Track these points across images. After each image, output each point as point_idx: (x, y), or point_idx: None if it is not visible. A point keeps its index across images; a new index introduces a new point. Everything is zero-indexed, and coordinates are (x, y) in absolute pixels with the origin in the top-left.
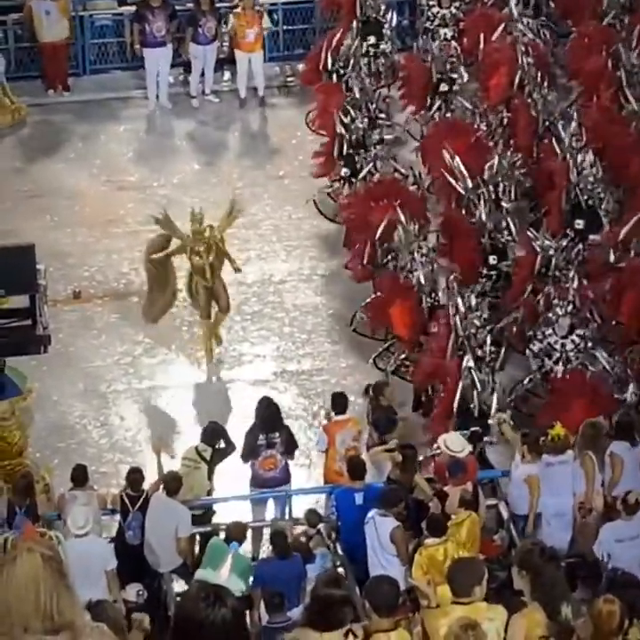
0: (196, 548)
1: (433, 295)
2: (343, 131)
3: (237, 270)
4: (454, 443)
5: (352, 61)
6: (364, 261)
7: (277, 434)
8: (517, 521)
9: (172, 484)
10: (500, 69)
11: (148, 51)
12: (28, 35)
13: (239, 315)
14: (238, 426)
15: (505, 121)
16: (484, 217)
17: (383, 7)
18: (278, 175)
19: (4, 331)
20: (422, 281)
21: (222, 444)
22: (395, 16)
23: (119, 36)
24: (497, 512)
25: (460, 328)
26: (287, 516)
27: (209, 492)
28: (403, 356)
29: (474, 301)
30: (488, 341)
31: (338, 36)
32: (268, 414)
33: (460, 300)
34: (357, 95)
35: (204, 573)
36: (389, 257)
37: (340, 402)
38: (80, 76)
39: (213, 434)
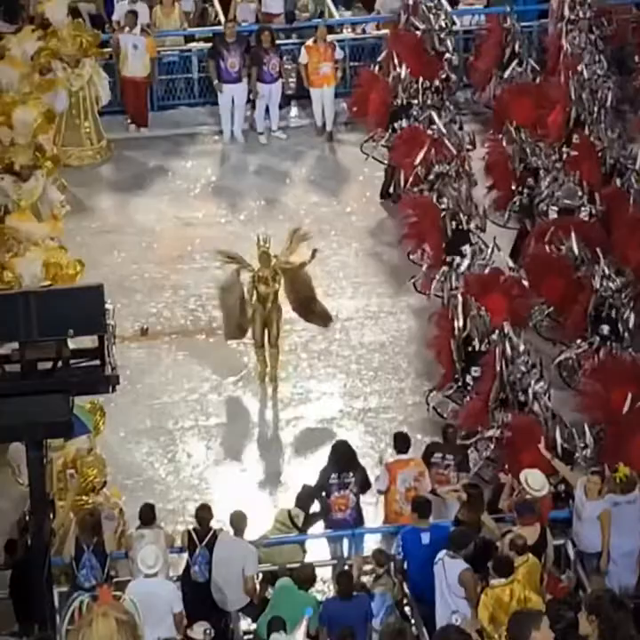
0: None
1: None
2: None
3: (313, 255)
4: (536, 481)
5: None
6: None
7: (351, 474)
8: (586, 560)
9: (239, 523)
10: (556, 106)
11: (224, 86)
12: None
13: (306, 352)
14: (305, 463)
15: (564, 157)
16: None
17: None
18: (345, 211)
19: (73, 371)
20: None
21: (316, 508)
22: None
23: (187, 72)
24: (564, 551)
25: (505, 373)
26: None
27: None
28: (449, 392)
29: (522, 346)
30: (532, 385)
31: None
32: (343, 455)
33: (508, 344)
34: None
35: (277, 637)
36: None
37: (402, 441)
38: (148, 112)
39: (308, 497)
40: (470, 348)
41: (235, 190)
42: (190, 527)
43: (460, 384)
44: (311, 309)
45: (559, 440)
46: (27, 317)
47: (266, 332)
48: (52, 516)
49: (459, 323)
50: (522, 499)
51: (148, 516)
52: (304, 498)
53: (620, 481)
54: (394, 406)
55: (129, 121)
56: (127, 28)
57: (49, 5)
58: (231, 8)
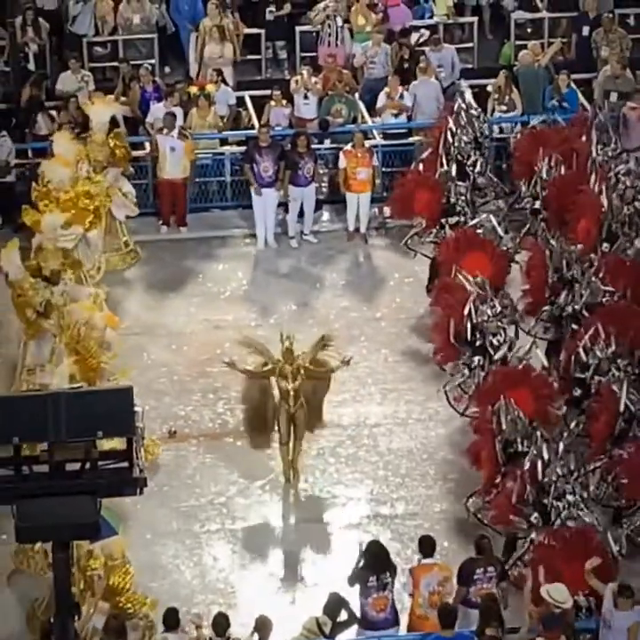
0: None
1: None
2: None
3: (346, 362)
4: (560, 594)
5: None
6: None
7: (388, 574)
8: None
9: (263, 628)
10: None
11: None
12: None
13: (333, 457)
14: (331, 568)
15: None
16: None
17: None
18: (375, 317)
19: (101, 472)
20: None
21: (344, 616)
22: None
23: (220, 176)
24: None
25: (541, 475)
26: None
27: None
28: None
29: (561, 448)
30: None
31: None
32: (379, 555)
33: (545, 447)
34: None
35: None
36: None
37: (427, 545)
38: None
39: (336, 605)
40: (512, 450)
41: (265, 294)
42: (208, 634)
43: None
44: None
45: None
46: (56, 418)
47: (291, 429)
48: (77, 617)
49: (500, 425)
50: (549, 611)
51: (172, 619)
52: (332, 605)
53: None
54: (420, 513)
55: (161, 222)
56: (165, 131)
57: (94, 108)
58: (265, 112)
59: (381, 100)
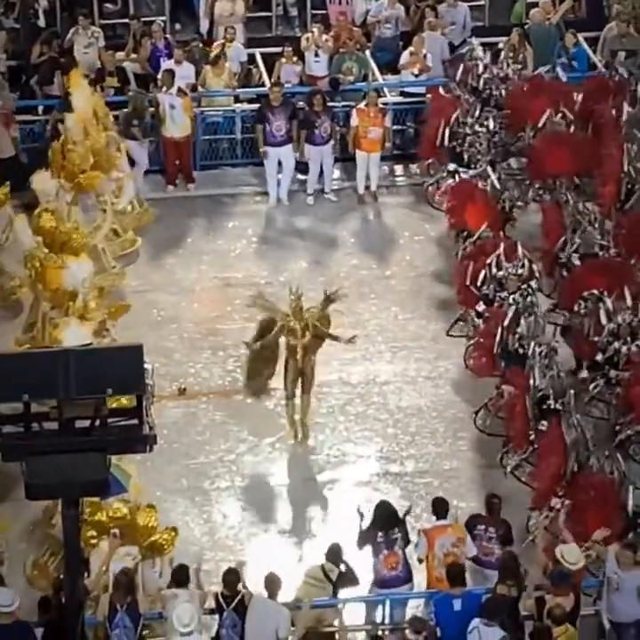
0: None
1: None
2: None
3: (351, 341)
4: (572, 555)
5: (468, 139)
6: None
7: (396, 530)
8: (624, 630)
9: (272, 585)
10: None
11: (270, 150)
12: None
13: (343, 415)
14: (341, 526)
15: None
16: None
17: None
18: (385, 275)
19: (110, 429)
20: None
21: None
22: None
23: (230, 133)
24: (598, 621)
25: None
26: (387, 620)
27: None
28: (522, 457)
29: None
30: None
31: (455, 114)
32: (387, 514)
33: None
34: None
35: None
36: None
37: (440, 507)
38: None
39: (338, 553)
40: (544, 407)
41: (276, 252)
42: (218, 590)
43: (535, 446)
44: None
45: (630, 504)
46: (65, 375)
47: (298, 383)
48: (86, 574)
49: (536, 381)
50: (557, 568)
51: (181, 576)
52: (335, 553)
53: None
54: (430, 471)
55: (166, 181)
56: (164, 88)
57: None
58: (275, 70)
59: (405, 57)
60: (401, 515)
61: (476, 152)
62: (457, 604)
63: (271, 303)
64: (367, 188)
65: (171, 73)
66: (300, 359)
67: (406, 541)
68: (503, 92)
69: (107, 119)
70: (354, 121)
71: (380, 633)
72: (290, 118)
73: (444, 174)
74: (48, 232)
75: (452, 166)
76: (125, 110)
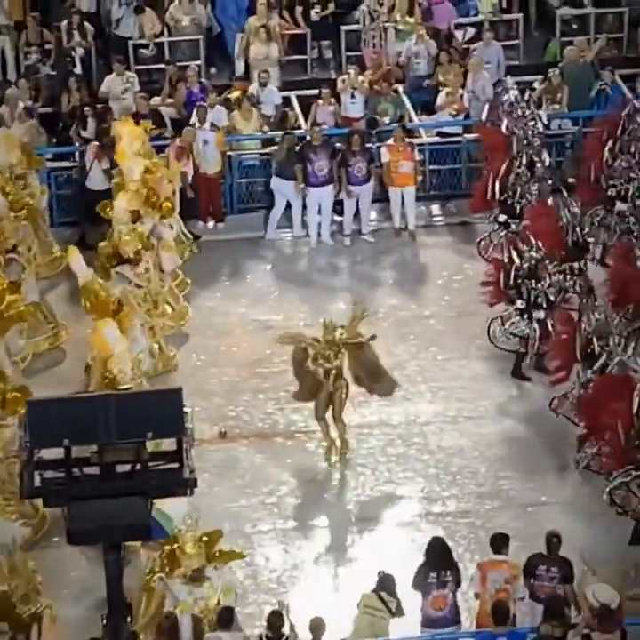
0: None
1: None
2: (516, 258)
3: (372, 337)
4: (604, 594)
5: (519, 190)
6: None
7: (449, 572)
8: None
9: (317, 629)
10: None
11: (312, 190)
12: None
13: (384, 456)
14: (384, 568)
15: None
16: None
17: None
18: (424, 315)
19: (151, 473)
20: None
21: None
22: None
23: (266, 176)
24: None
25: None
26: None
27: None
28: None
29: None
30: None
31: (504, 166)
32: (441, 553)
33: None
34: None
35: None
36: None
37: (499, 542)
38: (226, 215)
39: (393, 583)
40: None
41: (314, 293)
42: (263, 633)
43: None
44: (377, 380)
45: None
46: (106, 420)
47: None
48: (129, 619)
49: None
50: (602, 606)
51: (226, 618)
52: (389, 583)
53: None
54: (472, 511)
55: (199, 219)
56: (197, 124)
57: (125, 163)
58: (311, 111)
59: (441, 97)
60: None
61: (528, 203)
62: None
63: (299, 334)
64: (404, 228)
65: (204, 108)
66: (332, 383)
67: (457, 583)
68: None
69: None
70: (385, 157)
71: None
72: (331, 158)
73: (496, 228)
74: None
75: (502, 217)
76: (277, 149)
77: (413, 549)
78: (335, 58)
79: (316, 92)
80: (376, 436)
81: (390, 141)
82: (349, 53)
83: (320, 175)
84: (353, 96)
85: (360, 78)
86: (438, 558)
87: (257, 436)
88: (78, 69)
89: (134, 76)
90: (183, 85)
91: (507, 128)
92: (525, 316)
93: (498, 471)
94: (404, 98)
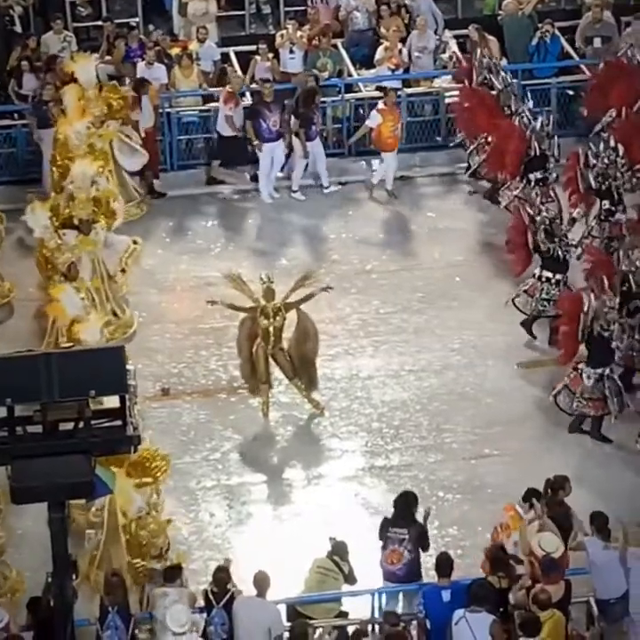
0: None
1: None
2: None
3: (326, 290)
4: (549, 544)
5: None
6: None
7: (406, 531)
8: (607, 609)
9: (261, 584)
10: None
11: (265, 145)
12: None
13: (327, 411)
14: (327, 521)
15: None
16: None
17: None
18: (365, 269)
19: (95, 431)
20: None
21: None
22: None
23: (206, 132)
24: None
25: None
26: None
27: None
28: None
29: None
30: None
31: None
32: (403, 509)
33: None
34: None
35: None
36: None
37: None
38: (167, 172)
39: (345, 550)
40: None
41: (255, 249)
42: (208, 588)
43: None
44: (305, 371)
45: None
46: (48, 378)
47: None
48: (74, 576)
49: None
50: (546, 558)
51: (171, 574)
52: (343, 549)
53: None
54: (415, 464)
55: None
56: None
57: (77, 66)
58: (250, 68)
59: (380, 53)
60: (421, 518)
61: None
62: (446, 595)
63: (246, 285)
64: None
65: (133, 64)
66: (271, 344)
67: (418, 543)
68: None
69: None
70: (377, 120)
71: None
72: (282, 112)
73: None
74: None
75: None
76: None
77: (357, 503)
78: (273, 13)
79: (254, 48)
80: (319, 391)
81: (381, 105)
82: (288, 8)
83: (274, 130)
84: (291, 51)
85: (299, 33)
86: (398, 514)
87: (200, 392)
88: (18, 28)
89: (72, 34)
90: (122, 42)
91: (492, 86)
92: (552, 279)
93: (440, 424)
94: (343, 53)
